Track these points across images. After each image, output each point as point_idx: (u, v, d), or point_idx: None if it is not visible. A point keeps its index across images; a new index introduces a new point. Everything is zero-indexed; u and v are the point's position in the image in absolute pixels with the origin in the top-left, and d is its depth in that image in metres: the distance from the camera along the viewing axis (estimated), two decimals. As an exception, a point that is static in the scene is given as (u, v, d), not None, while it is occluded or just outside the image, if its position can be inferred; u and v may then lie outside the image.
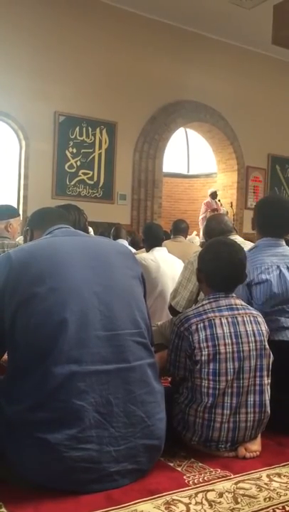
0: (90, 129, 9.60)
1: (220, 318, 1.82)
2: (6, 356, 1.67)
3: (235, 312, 1.85)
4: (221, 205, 10.52)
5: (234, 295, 1.90)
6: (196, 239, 8.48)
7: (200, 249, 3.83)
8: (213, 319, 1.82)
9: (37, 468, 1.43)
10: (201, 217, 10.46)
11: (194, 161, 13.04)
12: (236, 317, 1.83)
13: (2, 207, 3.27)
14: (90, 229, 4.93)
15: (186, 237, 5.34)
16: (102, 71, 9.52)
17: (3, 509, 1.38)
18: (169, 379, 2.15)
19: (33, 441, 1.42)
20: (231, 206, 10.87)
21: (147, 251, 3.90)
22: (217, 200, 10.57)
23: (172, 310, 3.05)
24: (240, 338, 1.81)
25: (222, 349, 1.78)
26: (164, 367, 1.94)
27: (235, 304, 1.87)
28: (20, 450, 1.44)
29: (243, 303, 1.91)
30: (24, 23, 8.77)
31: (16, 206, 9.16)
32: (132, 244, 6.04)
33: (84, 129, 9.55)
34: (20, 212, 9.04)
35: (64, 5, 9.11)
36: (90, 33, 9.38)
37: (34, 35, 8.86)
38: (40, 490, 1.44)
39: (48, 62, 8.99)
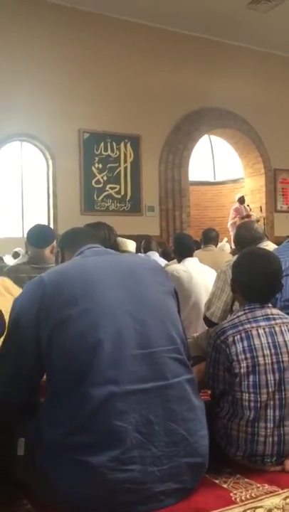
0: (114, 144, 9.69)
1: (257, 329, 1.79)
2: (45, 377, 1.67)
3: (272, 322, 1.81)
4: (251, 209, 10.41)
5: (270, 305, 1.87)
6: (226, 246, 8.41)
7: (232, 257, 3.80)
8: (250, 330, 1.79)
9: (80, 492, 1.42)
10: (230, 223, 10.38)
11: (220, 167, 12.98)
12: (273, 327, 1.80)
13: (43, 229, 3.18)
14: (133, 243, 4.83)
15: (216, 245, 5.30)
16: (123, 85, 9.62)
17: (49, 534, 1.38)
18: (209, 392, 2.12)
19: (75, 465, 1.41)
20: (261, 210, 10.75)
21: (178, 262, 3.88)
22: (246, 205, 10.47)
23: (207, 321, 3.02)
24: (279, 348, 1.77)
25: (261, 360, 1.75)
26: (202, 380, 1.91)
27: (272, 314, 1.83)
28: (62, 474, 1.43)
29: (280, 312, 1.87)
30: (46, 48, 8.95)
31: (43, 224, 9.31)
32: (163, 255, 6.02)
33: (108, 144, 9.65)
34: (51, 230, 9.17)
35: (86, 24, 9.28)
36: (110, 49, 9.50)
37: (55, 58, 9.03)
38: (85, 513, 1.43)
39: (71, 82, 9.14)
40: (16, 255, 7.09)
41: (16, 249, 7.29)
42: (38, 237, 3.06)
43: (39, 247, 3.03)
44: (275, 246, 2.97)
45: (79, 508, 1.44)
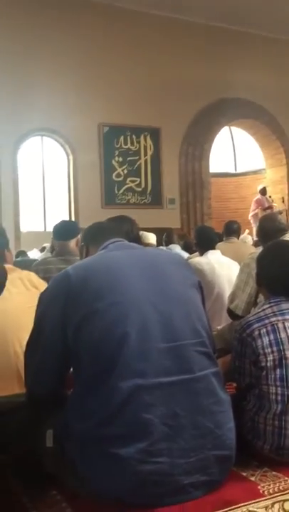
0: (134, 137, 9.69)
1: (283, 322, 1.77)
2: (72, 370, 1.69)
3: (299, 315, 1.79)
4: (273, 201, 10.31)
5: (296, 298, 1.85)
6: (248, 238, 8.34)
7: (254, 250, 3.77)
8: (276, 323, 1.77)
9: (110, 483, 1.44)
10: (251, 215, 10.30)
11: (241, 158, 12.87)
12: (300, 320, 1.78)
13: (68, 223, 3.37)
14: (153, 236, 4.89)
15: (238, 237, 5.27)
16: (142, 78, 9.59)
17: (79, 524, 1.40)
18: (234, 384, 2.11)
19: (104, 457, 1.43)
20: (283, 201, 10.63)
21: (201, 255, 3.88)
22: (268, 196, 10.37)
23: (231, 313, 3.01)
24: (306, 341, 1.75)
25: (288, 354, 1.73)
26: (227, 372, 1.91)
27: (298, 307, 1.81)
28: (91, 466, 1.45)
29: (306, 305, 1.85)
30: (65, 42, 8.98)
31: (67, 219, 9.40)
32: (185, 248, 6.02)
33: (128, 137, 9.65)
34: (73, 224, 9.24)
35: (105, 18, 9.28)
36: (129, 42, 9.49)
37: (74, 53, 9.07)
38: (114, 504, 1.45)
39: (89, 77, 9.16)
40: (43, 250, 7.19)
41: (45, 245, 7.37)
42: (63, 230, 3.24)
43: (64, 239, 3.19)
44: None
45: (108, 498, 1.46)
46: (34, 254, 7.13)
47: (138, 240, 2.59)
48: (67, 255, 3.10)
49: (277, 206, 10.37)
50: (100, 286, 1.57)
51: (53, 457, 1.55)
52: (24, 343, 1.72)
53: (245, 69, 10.41)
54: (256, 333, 1.77)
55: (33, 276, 2.29)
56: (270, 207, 10.00)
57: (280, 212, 10.06)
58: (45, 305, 1.64)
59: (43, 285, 2.24)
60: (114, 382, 1.45)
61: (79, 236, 3.04)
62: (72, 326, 1.55)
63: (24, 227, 9.01)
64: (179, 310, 1.60)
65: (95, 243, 1.90)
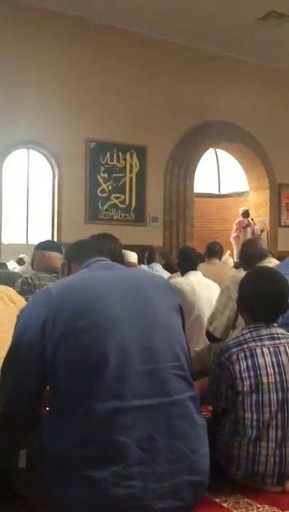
0: (120, 154, 9.75)
1: (261, 348, 1.79)
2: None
3: (277, 342, 1.81)
4: (254, 223, 10.43)
5: (275, 324, 1.87)
6: (229, 260, 8.42)
7: (236, 272, 3.81)
8: (255, 349, 1.79)
9: (82, 506, 1.42)
10: (233, 237, 10.40)
11: (225, 180, 13.03)
12: (278, 347, 1.80)
13: (53, 242, 3.55)
14: (134, 254, 4.90)
15: (220, 259, 5.31)
16: (131, 97, 9.69)
17: None
18: (210, 408, 2.11)
19: (77, 479, 1.41)
20: (265, 225, 10.75)
21: (182, 275, 3.89)
22: (250, 218, 10.50)
23: (210, 336, 3.02)
24: (283, 367, 1.77)
25: (264, 379, 1.75)
26: (203, 395, 1.91)
27: (277, 333, 1.83)
28: (64, 488, 1.43)
29: (285, 332, 1.87)
30: (54, 56, 9.04)
31: (50, 232, 9.36)
32: (166, 267, 6.03)
33: (115, 154, 9.70)
34: (55, 238, 9.22)
35: (89, 37, 9.36)
36: (116, 62, 9.58)
37: (63, 69, 9.12)
38: (85, 528, 1.43)
39: (77, 92, 9.21)
40: (20, 261, 7.12)
41: (21, 256, 7.32)
42: (50, 243, 3.56)
43: (52, 250, 3.21)
44: (278, 262, 2.98)
45: (80, 523, 1.44)
46: (10, 265, 7.06)
47: (121, 259, 2.59)
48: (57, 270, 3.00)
49: (257, 227, 10.47)
50: (81, 306, 1.56)
51: (25, 478, 1.52)
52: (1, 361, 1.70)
53: (233, 94, 10.59)
54: (234, 357, 1.78)
55: (11, 291, 2.28)
56: (249, 225, 10.12)
57: (262, 230, 10.21)
58: (25, 322, 1.62)
59: (21, 301, 2.23)
60: (91, 403, 1.44)
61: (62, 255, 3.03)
62: (51, 345, 1.53)
63: (5, 238, 8.95)
64: (158, 333, 1.60)
65: (78, 260, 1.90)
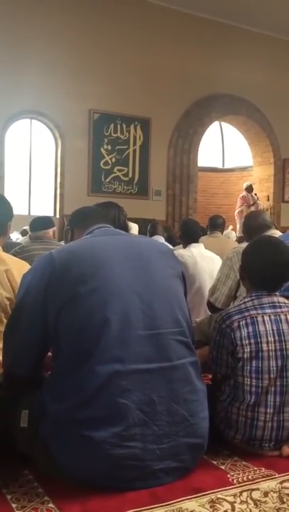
0: (124, 126, 9.64)
1: (262, 316, 1.80)
2: (50, 353, 1.69)
3: (278, 310, 1.82)
4: (258, 198, 10.38)
5: (277, 293, 1.88)
6: (232, 234, 8.41)
7: (237, 244, 3.80)
8: (256, 317, 1.80)
9: (82, 466, 1.45)
10: (237, 212, 10.36)
11: (229, 154, 12.91)
12: (279, 315, 1.81)
13: (44, 217, 3.83)
14: (136, 226, 4.94)
15: (222, 232, 5.30)
16: (136, 68, 9.53)
17: (51, 504, 1.41)
18: (210, 376, 2.14)
19: (78, 439, 1.44)
20: (268, 200, 10.72)
21: (184, 247, 3.89)
22: (253, 193, 10.44)
23: (211, 306, 3.03)
24: (283, 336, 1.78)
25: (264, 347, 1.76)
26: (204, 364, 1.93)
27: (278, 302, 1.84)
28: (65, 447, 1.46)
29: (286, 301, 1.88)
30: (58, 25, 8.86)
31: (52, 204, 9.33)
32: (168, 240, 6.02)
33: (118, 125, 9.60)
34: (58, 210, 9.20)
35: (96, 3, 9.15)
36: (122, 31, 9.40)
37: (68, 36, 8.95)
38: (85, 486, 1.46)
39: (82, 62, 9.06)
40: (24, 232, 7.13)
41: (25, 227, 7.31)
42: (41, 222, 3.69)
43: (42, 229, 3.58)
44: (282, 234, 2.97)
45: (79, 480, 1.47)
46: (14, 236, 7.08)
47: (125, 227, 2.58)
48: (48, 241, 3.40)
49: (262, 204, 10.45)
50: (83, 271, 1.57)
51: (27, 437, 1.55)
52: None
53: (240, 66, 10.41)
54: (235, 324, 1.79)
55: (14, 271, 2.25)
56: (255, 203, 10.07)
57: (265, 210, 10.17)
58: (28, 286, 1.63)
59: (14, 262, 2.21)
60: (92, 366, 1.46)
61: (54, 228, 3.54)
62: (54, 309, 1.54)
63: (8, 209, 8.91)
64: (161, 299, 1.61)
65: (81, 227, 1.89)
